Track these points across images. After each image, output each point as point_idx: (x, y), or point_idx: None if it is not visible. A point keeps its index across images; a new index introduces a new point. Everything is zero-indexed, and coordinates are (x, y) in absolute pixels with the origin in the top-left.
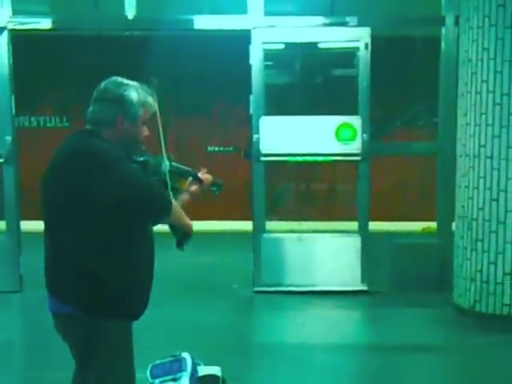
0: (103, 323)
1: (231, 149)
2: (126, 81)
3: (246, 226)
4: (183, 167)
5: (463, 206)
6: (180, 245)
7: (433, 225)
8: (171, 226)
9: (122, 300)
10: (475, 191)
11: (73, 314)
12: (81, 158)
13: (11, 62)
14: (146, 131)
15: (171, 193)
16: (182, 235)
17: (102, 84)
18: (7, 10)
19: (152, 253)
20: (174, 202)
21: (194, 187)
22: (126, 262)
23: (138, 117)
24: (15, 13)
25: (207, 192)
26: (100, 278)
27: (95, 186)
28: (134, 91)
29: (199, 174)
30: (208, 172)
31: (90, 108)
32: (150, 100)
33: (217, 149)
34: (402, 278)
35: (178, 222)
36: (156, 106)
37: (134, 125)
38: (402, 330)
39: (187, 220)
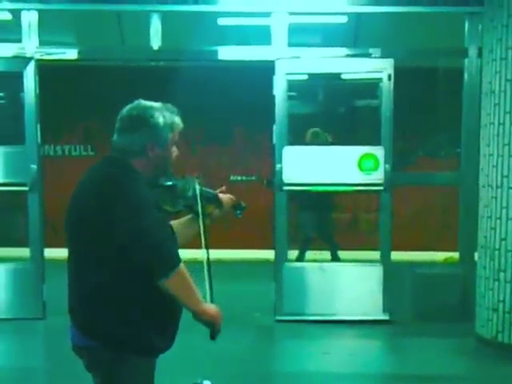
0: (127, 358)
1: (254, 178)
2: (149, 103)
3: (268, 254)
4: (208, 190)
5: (485, 236)
6: (213, 336)
7: (455, 255)
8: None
9: (146, 337)
10: (498, 221)
11: (97, 348)
12: (109, 195)
13: (37, 91)
14: (175, 151)
15: (201, 217)
16: (209, 326)
17: (125, 110)
18: (34, 40)
19: None
20: (183, 269)
21: (215, 211)
22: (151, 298)
23: (168, 141)
24: (42, 43)
25: (230, 215)
26: (125, 315)
27: (120, 222)
28: (160, 114)
29: (220, 195)
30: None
31: (116, 137)
32: (177, 119)
33: (239, 178)
34: (424, 307)
35: (182, 295)
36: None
37: (165, 149)
38: (424, 360)
39: (196, 300)
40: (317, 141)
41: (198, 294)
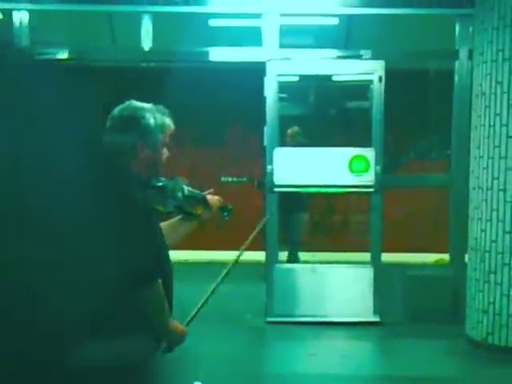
0: None
1: (244, 179)
2: (140, 104)
3: (259, 256)
4: (196, 192)
5: (476, 238)
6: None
7: (445, 257)
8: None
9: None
10: (488, 223)
11: None
12: None
13: None
14: (165, 153)
15: (189, 217)
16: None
17: (116, 110)
18: (25, 40)
19: (169, 286)
20: (160, 285)
21: (203, 213)
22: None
23: (158, 142)
24: (34, 43)
25: (217, 217)
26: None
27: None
28: (151, 115)
29: (208, 197)
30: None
31: (106, 137)
32: (168, 121)
33: (230, 179)
34: (415, 309)
35: (156, 307)
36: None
37: (155, 150)
38: (414, 362)
39: (165, 316)
40: (296, 139)
41: (168, 312)
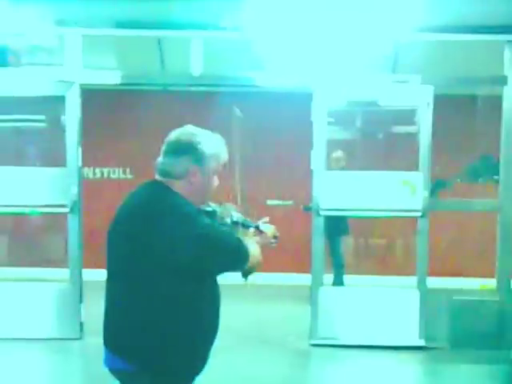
0: (164, 382)
1: (291, 202)
2: (197, 130)
3: (305, 279)
4: (248, 220)
5: None
6: (245, 275)
7: (491, 283)
8: None
9: (185, 358)
10: None
11: (132, 372)
12: (151, 214)
13: (80, 114)
14: (216, 181)
15: None
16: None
17: (174, 134)
18: (78, 64)
19: (217, 308)
20: (249, 252)
21: (256, 238)
22: (192, 319)
23: (210, 169)
24: (85, 67)
25: (266, 244)
26: (164, 336)
27: (164, 242)
28: (208, 143)
29: (260, 224)
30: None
31: (161, 159)
32: (223, 151)
33: (276, 202)
34: (460, 334)
35: (253, 262)
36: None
37: (206, 177)
38: None
39: (257, 254)
40: (340, 164)
41: (255, 248)
